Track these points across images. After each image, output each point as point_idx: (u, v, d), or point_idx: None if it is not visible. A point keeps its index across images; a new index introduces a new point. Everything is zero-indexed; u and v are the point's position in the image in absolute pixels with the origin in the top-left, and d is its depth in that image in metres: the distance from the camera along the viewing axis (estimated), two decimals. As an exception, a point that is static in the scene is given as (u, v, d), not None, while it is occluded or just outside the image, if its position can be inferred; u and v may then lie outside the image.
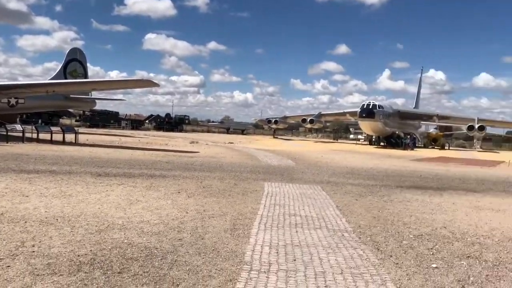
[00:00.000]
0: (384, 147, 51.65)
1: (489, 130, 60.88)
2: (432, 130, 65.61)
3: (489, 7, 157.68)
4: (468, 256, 6.24)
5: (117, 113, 78.22)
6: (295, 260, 5.68)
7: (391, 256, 6.09)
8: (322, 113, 65.70)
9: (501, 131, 74.45)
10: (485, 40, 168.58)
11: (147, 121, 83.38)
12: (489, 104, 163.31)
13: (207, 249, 5.99)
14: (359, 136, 73.99)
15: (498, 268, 5.73)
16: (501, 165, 28.64)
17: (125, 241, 6.19)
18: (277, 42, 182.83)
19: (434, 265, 5.72)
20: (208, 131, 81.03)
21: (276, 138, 68.17)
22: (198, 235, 6.72)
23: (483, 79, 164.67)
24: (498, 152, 55.57)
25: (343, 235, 7.17)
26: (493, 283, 5.15)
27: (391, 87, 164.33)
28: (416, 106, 74.05)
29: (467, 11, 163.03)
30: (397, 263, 5.76)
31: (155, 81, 30.21)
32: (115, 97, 61.57)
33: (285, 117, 70.42)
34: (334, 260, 5.75)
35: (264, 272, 5.18)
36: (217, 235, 6.75)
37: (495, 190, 14.46)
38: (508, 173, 22.37)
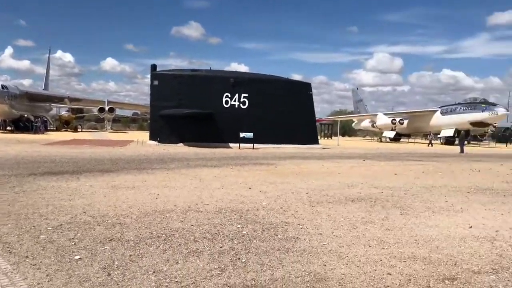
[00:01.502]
0: (12, 131, 47.24)
1: (119, 111, 65.12)
2: (64, 112, 64.65)
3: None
4: (111, 239, 6.12)
5: None
6: None
7: (27, 257, 5.25)
8: None
9: (128, 113, 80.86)
10: (110, 27, 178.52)
11: None
12: (116, 87, 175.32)
13: None
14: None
15: (139, 246, 5.84)
16: (131, 144, 30.96)
17: None
18: None
19: (77, 257, 5.29)
20: None
21: None
22: None
23: (110, 63, 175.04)
24: (127, 132, 60.31)
25: (-39, 243, 5.74)
26: (137, 262, 5.18)
27: (15, 67, 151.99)
28: (46, 88, 70.80)
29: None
30: (35, 264, 5.01)
31: None
32: None
33: None
34: (-50, 279, 4.47)
35: None
36: None
37: (128, 168, 15.29)
38: (136, 151, 24.33)
